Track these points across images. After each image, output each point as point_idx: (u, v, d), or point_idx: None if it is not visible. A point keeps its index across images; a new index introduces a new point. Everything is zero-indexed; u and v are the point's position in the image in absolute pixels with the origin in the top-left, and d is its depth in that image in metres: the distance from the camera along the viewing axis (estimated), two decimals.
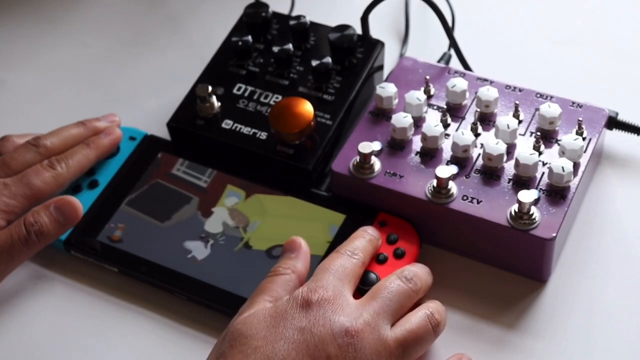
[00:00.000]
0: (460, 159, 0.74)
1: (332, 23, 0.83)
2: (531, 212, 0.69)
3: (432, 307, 0.67)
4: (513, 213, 0.70)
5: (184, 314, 0.72)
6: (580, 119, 0.74)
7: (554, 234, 0.69)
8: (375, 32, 0.83)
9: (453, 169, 0.72)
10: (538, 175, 0.72)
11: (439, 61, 0.83)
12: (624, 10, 0.91)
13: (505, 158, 0.73)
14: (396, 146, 0.75)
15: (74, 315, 0.73)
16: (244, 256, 0.72)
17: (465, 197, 0.71)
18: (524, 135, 0.75)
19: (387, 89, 0.77)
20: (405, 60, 0.81)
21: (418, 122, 0.76)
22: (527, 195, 0.68)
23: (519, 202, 0.69)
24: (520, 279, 0.72)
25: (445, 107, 0.77)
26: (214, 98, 0.79)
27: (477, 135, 0.75)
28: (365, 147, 0.73)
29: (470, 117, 0.76)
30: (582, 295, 0.71)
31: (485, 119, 0.76)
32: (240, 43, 0.82)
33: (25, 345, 0.72)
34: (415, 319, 0.65)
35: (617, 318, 0.70)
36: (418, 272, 0.68)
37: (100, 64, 0.91)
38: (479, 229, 0.71)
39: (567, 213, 0.70)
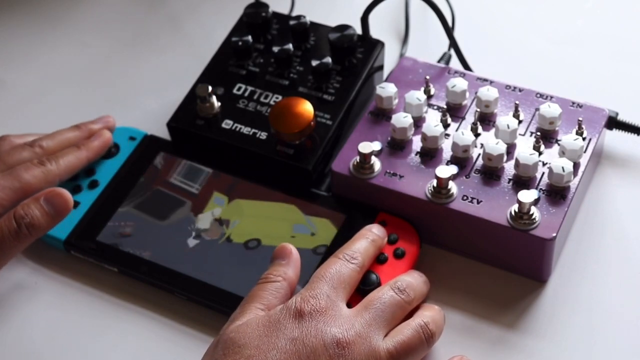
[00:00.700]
0: (460, 159, 0.74)
1: (332, 23, 0.83)
2: (531, 212, 0.69)
3: (427, 317, 0.66)
4: (513, 213, 0.70)
5: (184, 314, 0.72)
6: (580, 119, 0.74)
7: (554, 234, 0.69)
8: (375, 32, 0.83)
9: (453, 169, 0.72)
10: (538, 175, 0.72)
11: (439, 61, 0.83)
12: (624, 10, 0.91)
13: (505, 158, 0.73)
14: (396, 146, 0.75)
15: (74, 315, 0.73)
16: (226, 248, 0.74)
17: (465, 197, 0.71)
18: (524, 135, 0.75)
19: (387, 89, 0.77)
20: (405, 60, 0.81)
21: (418, 122, 0.76)
22: (527, 195, 0.68)
23: (519, 202, 0.69)
24: (520, 279, 0.72)
25: (445, 107, 0.77)
26: (214, 98, 0.79)
27: (477, 135, 0.75)
28: (365, 147, 0.73)
29: (470, 117, 0.76)
30: (582, 295, 0.71)
31: (485, 119, 0.76)
32: (240, 43, 0.82)
33: (25, 345, 0.72)
34: (408, 330, 0.65)
35: (617, 318, 0.70)
36: (412, 283, 0.68)
37: (100, 64, 0.91)
38: (479, 229, 0.71)
39: (567, 213, 0.70)
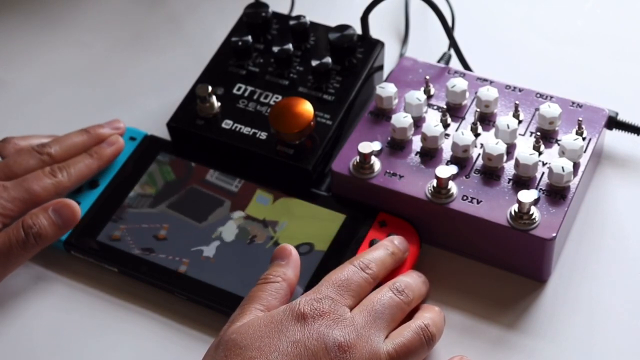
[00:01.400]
0: (460, 159, 0.74)
1: (332, 23, 0.83)
2: (531, 212, 0.69)
3: (427, 319, 0.66)
4: (513, 213, 0.70)
5: (184, 314, 0.72)
6: (580, 119, 0.74)
7: (554, 234, 0.69)
8: (375, 32, 0.83)
9: (453, 169, 0.72)
10: (538, 175, 0.72)
11: (439, 61, 0.83)
12: (624, 10, 0.91)
13: (505, 158, 0.73)
14: (396, 146, 0.75)
15: (74, 315, 0.73)
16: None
17: (465, 197, 0.71)
18: (524, 135, 0.75)
19: (387, 89, 0.77)
20: (405, 60, 0.81)
21: (418, 122, 0.76)
22: (527, 195, 0.68)
23: (519, 202, 0.69)
24: (520, 279, 0.72)
25: (445, 107, 0.77)
26: (214, 98, 0.79)
27: (477, 135, 0.75)
28: (365, 147, 0.73)
29: (470, 117, 0.76)
30: (582, 295, 0.71)
31: (485, 119, 0.76)
32: (240, 43, 0.82)
33: (25, 345, 0.72)
34: (408, 332, 0.65)
35: (617, 318, 0.70)
36: (410, 283, 0.68)
37: (100, 64, 0.91)
38: (479, 229, 0.71)
39: (567, 213, 0.70)
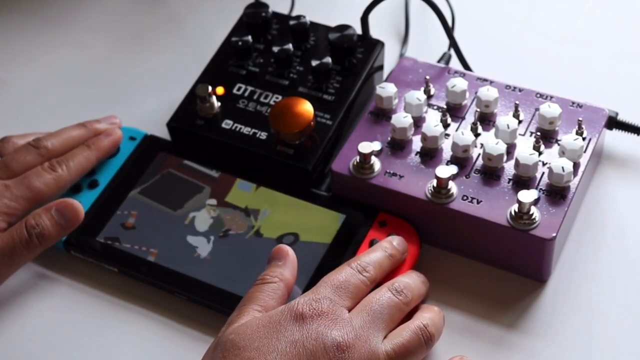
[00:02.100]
0: (460, 159, 0.74)
1: (332, 23, 0.83)
2: (531, 212, 0.69)
3: (426, 319, 0.66)
4: (513, 213, 0.70)
5: (184, 314, 0.72)
6: (580, 119, 0.74)
7: (554, 234, 0.69)
8: (375, 32, 0.83)
9: (453, 169, 0.72)
10: (538, 175, 0.72)
11: (439, 61, 0.83)
12: (624, 10, 0.91)
13: (505, 158, 0.73)
14: (396, 146, 0.75)
15: (74, 315, 0.73)
16: (254, 244, 0.72)
17: (465, 197, 0.71)
18: (524, 135, 0.75)
19: (387, 89, 0.77)
20: (405, 60, 0.81)
21: (418, 122, 0.76)
22: (527, 195, 0.68)
23: (519, 202, 0.69)
24: (520, 279, 0.72)
25: (445, 107, 0.77)
26: (214, 98, 0.79)
27: (477, 135, 0.75)
28: (365, 147, 0.73)
29: (470, 117, 0.76)
30: (582, 295, 0.71)
31: (485, 119, 0.76)
32: (240, 43, 0.82)
33: (26, 345, 0.72)
34: (407, 332, 0.65)
35: (617, 318, 0.70)
36: (409, 284, 0.68)
37: (100, 64, 0.91)
38: (479, 229, 0.71)
39: (567, 213, 0.70)
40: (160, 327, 0.72)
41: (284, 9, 0.89)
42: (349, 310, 0.65)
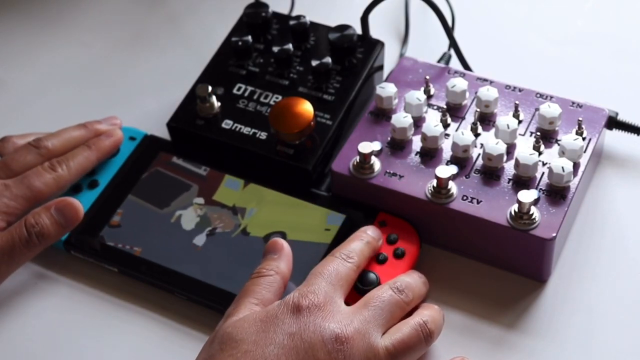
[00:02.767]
0: (460, 159, 0.74)
1: (332, 23, 0.83)
2: (531, 212, 0.69)
3: (426, 316, 0.66)
4: (513, 213, 0.70)
5: (184, 314, 0.72)
6: (580, 119, 0.74)
7: (554, 234, 0.69)
8: (375, 32, 0.83)
9: (453, 169, 0.72)
10: (538, 175, 0.72)
11: (439, 61, 0.83)
12: (624, 10, 0.91)
13: (505, 158, 0.73)
14: (396, 146, 0.75)
15: (74, 315, 0.73)
16: (241, 243, 0.72)
17: (465, 197, 0.71)
18: (524, 135, 0.75)
19: (387, 89, 0.77)
20: (405, 60, 0.81)
21: (418, 122, 0.76)
22: (527, 195, 0.68)
23: (519, 202, 0.69)
24: (520, 279, 0.72)
25: (445, 107, 0.77)
26: (214, 98, 0.79)
27: (477, 135, 0.75)
28: (365, 147, 0.73)
29: (470, 117, 0.76)
30: (582, 295, 0.71)
31: (485, 119, 0.76)
32: (240, 43, 0.82)
33: (26, 345, 0.72)
34: (406, 328, 0.65)
35: (617, 318, 0.70)
36: (411, 283, 0.68)
37: (100, 64, 0.91)
38: (479, 229, 0.71)
39: (567, 213, 0.70)
40: (160, 327, 0.72)
41: (284, 9, 0.89)
42: (344, 298, 0.66)
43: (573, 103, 0.76)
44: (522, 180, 0.72)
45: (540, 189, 0.71)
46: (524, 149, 0.73)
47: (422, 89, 0.78)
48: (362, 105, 0.81)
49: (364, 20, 0.82)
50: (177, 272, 0.72)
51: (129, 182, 0.78)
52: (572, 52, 0.87)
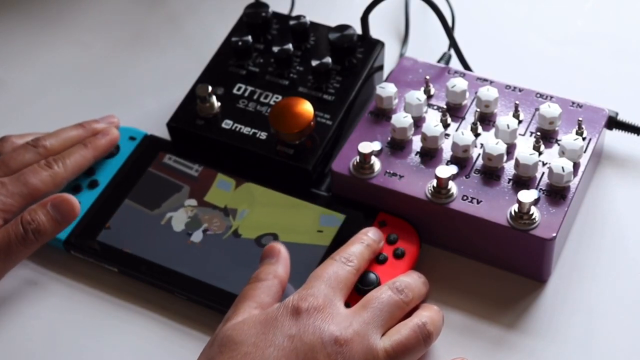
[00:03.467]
0: (460, 159, 0.74)
1: (332, 23, 0.83)
2: (531, 212, 0.69)
3: (425, 317, 0.66)
4: (513, 213, 0.70)
5: (184, 314, 0.72)
6: (580, 119, 0.74)
7: (554, 234, 0.69)
8: (375, 32, 0.83)
9: (453, 169, 0.72)
10: (538, 175, 0.72)
11: (439, 61, 0.83)
12: (624, 10, 0.91)
13: (505, 158, 0.73)
14: (396, 146, 0.75)
15: (74, 315, 0.73)
16: (233, 245, 0.72)
17: (465, 197, 0.71)
18: (524, 135, 0.75)
19: (387, 89, 0.77)
20: (405, 60, 0.81)
21: (418, 122, 0.76)
22: (527, 195, 0.68)
23: (519, 202, 0.69)
24: (520, 279, 0.72)
25: (445, 107, 0.77)
26: (214, 98, 0.79)
27: (477, 135, 0.75)
28: (365, 147, 0.73)
29: (470, 117, 0.76)
30: (582, 295, 0.71)
31: (485, 119, 0.76)
32: (240, 43, 0.82)
33: (25, 346, 0.72)
34: (405, 330, 0.65)
35: (617, 318, 0.70)
36: (410, 284, 0.68)
37: (100, 64, 0.91)
38: (479, 229, 0.71)
39: (567, 213, 0.70)
40: (160, 327, 0.72)
41: (284, 9, 0.89)
42: (344, 301, 0.66)
43: (573, 103, 0.76)
44: (522, 180, 0.72)
45: (540, 189, 0.71)
46: (524, 149, 0.73)
47: (422, 89, 0.78)
48: (362, 105, 0.81)
49: (364, 20, 0.82)
50: (176, 272, 0.72)
51: (129, 182, 0.78)
52: (572, 52, 0.87)
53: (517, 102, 0.76)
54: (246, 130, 0.78)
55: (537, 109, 0.76)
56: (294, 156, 0.76)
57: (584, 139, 0.74)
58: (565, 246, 0.74)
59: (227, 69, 0.82)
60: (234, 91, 0.81)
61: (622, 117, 0.77)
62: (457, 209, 0.71)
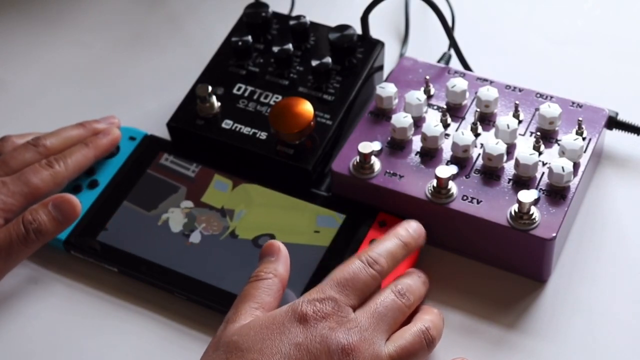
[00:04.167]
0: (460, 159, 0.74)
1: (332, 23, 0.83)
2: (531, 212, 0.69)
3: (428, 322, 0.66)
4: (513, 213, 0.70)
5: (184, 314, 0.72)
6: (580, 119, 0.74)
7: (554, 234, 0.69)
8: (375, 32, 0.83)
9: (453, 169, 0.72)
10: (538, 175, 0.72)
11: (439, 61, 0.83)
12: (624, 10, 0.91)
13: (505, 158, 0.73)
14: (396, 146, 0.75)
15: (74, 315, 0.73)
16: (231, 245, 0.72)
17: (465, 197, 0.71)
18: (524, 135, 0.75)
19: (387, 89, 0.77)
20: (405, 60, 0.81)
21: (418, 122, 0.76)
22: (527, 195, 0.68)
23: (519, 202, 0.69)
24: (520, 279, 0.72)
25: (445, 107, 0.77)
26: (214, 98, 0.79)
27: (477, 135, 0.75)
28: (365, 147, 0.73)
29: (470, 117, 0.76)
30: (582, 295, 0.71)
31: (485, 119, 0.76)
32: (240, 43, 0.82)
33: (25, 345, 0.72)
34: (409, 335, 0.65)
35: (617, 318, 0.70)
36: (411, 285, 0.67)
37: (100, 64, 0.91)
38: (479, 229, 0.71)
39: (567, 213, 0.70)
40: (160, 327, 0.72)
41: (284, 9, 0.89)
42: (355, 307, 0.65)
43: (573, 103, 0.76)
44: (522, 180, 0.72)
45: (540, 189, 0.71)
46: (524, 149, 0.73)
47: (422, 89, 0.78)
48: (362, 105, 0.81)
49: (364, 20, 0.82)
50: (176, 272, 0.72)
51: (129, 182, 0.78)
52: (572, 52, 0.87)
53: (517, 102, 0.76)
54: (246, 130, 0.78)
55: (537, 109, 0.76)
56: (294, 156, 0.76)
57: (584, 139, 0.74)
58: (565, 246, 0.74)
59: (227, 69, 0.82)
60: (234, 91, 0.81)
61: (622, 117, 0.77)
62: (457, 209, 0.71)
